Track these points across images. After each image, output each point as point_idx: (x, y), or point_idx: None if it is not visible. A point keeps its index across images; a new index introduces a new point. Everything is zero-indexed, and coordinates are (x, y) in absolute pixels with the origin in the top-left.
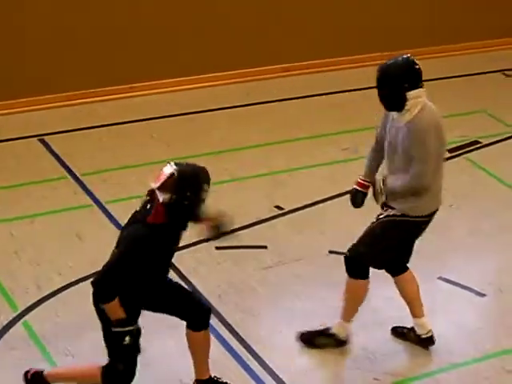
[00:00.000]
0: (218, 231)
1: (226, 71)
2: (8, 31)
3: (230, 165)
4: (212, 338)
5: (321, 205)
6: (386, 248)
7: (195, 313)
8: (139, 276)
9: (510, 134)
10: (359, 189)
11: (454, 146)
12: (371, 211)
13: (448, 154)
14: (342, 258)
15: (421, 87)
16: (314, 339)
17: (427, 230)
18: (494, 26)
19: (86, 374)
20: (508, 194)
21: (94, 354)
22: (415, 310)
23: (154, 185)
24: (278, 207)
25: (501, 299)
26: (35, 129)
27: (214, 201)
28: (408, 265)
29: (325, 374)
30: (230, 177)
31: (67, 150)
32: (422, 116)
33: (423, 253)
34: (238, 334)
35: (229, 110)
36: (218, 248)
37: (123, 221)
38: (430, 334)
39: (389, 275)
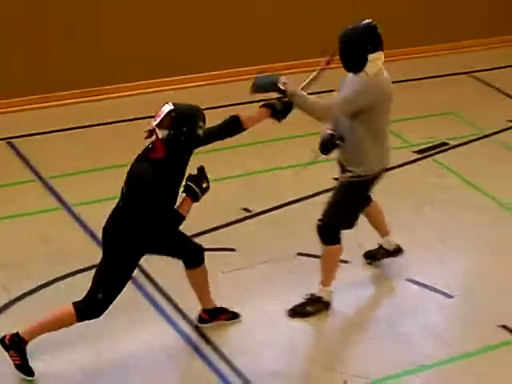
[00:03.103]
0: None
1: (199, 73)
2: None
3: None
4: (179, 339)
5: (289, 206)
6: (351, 208)
7: (193, 252)
8: (151, 213)
9: (477, 136)
10: (331, 132)
11: (422, 147)
12: None
13: (416, 156)
14: (310, 260)
15: (381, 50)
16: (305, 309)
17: (395, 232)
18: (463, 27)
19: (59, 317)
20: (476, 196)
21: (64, 357)
22: (383, 230)
23: (154, 122)
24: (245, 209)
25: (468, 301)
26: (3, 132)
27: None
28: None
29: (292, 375)
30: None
31: (35, 153)
32: (374, 78)
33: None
34: (206, 336)
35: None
36: None
37: (91, 223)
38: (397, 247)
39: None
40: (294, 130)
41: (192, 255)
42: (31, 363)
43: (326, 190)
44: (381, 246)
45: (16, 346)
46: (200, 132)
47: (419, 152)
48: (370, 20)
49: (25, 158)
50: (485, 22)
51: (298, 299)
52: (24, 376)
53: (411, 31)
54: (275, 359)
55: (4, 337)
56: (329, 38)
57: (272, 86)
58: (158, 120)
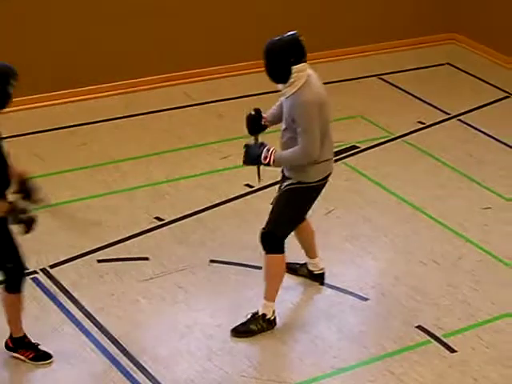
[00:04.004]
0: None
1: (105, 83)
2: None
3: (109, 177)
4: (95, 350)
5: (201, 214)
6: (293, 215)
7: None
8: None
9: (387, 138)
10: (259, 113)
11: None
12: (251, 221)
13: None
14: (223, 266)
15: (304, 62)
16: (248, 327)
17: None
18: (369, 30)
19: (10, 301)
20: (386, 198)
21: None
22: (311, 252)
23: None
24: (157, 218)
25: (383, 302)
26: None
27: (90, 213)
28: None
29: (208, 381)
30: (108, 189)
31: None
32: (305, 90)
33: (303, 259)
34: (122, 346)
35: (108, 122)
36: (99, 261)
37: None
38: (322, 271)
39: None
40: (200, 138)
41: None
42: None
43: (238, 197)
44: (305, 265)
45: (20, 343)
46: (11, 90)
47: None
48: (295, 31)
49: None
50: (391, 25)
51: (211, 305)
52: (45, 362)
53: (320, 35)
54: (190, 367)
55: (6, 342)
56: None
57: (258, 163)
58: None
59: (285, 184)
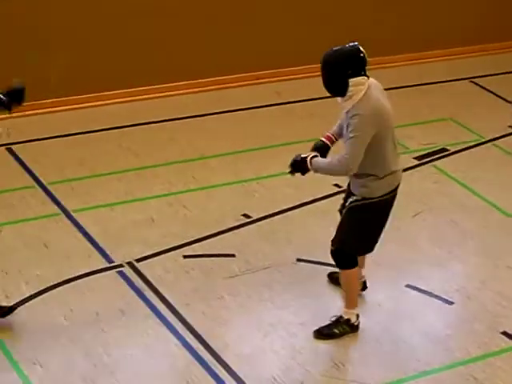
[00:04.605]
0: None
1: (197, 79)
2: None
3: (198, 173)
4: (180, 346)
5: (289, 213)
6: (360, 232)
7: None
8: None
9: (476, 142)
10: (324, 140)
11: (421, 153)
12: (339, 221)
13: (415, 162)
14: (309, 265)
15: (364, 75)
16: (331, 331)
17: (392, 239)
18: (463, 33)
19: None
20: (475, 202)
21: (62, 362)
22: (360, 261)
23: None
24: (245, 215)
25: (468, 306)
26: (1, 139)
27: (182, 208)
28: (373, 273)
29: (291, 381)
30: (198, 185)
31: (35, 158)
32: (362, 104)
33: (390, 261)
34: (206, 342)
35: (198, 118)
36: (185, 256)
37: (90, 229)
38: (363, 279)
39: None
40: (289, 136)
41: None
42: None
43: (326, 196)
44: None
45: None
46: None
47: (419, 158)
48: (355, 43)
49: (24, 164)
50: (485, 28)
51: (296, 304)
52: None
53: (411, 37)
54: (273, 365)
55: None
56: (325, 44)
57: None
58: None
59: (349, 200)
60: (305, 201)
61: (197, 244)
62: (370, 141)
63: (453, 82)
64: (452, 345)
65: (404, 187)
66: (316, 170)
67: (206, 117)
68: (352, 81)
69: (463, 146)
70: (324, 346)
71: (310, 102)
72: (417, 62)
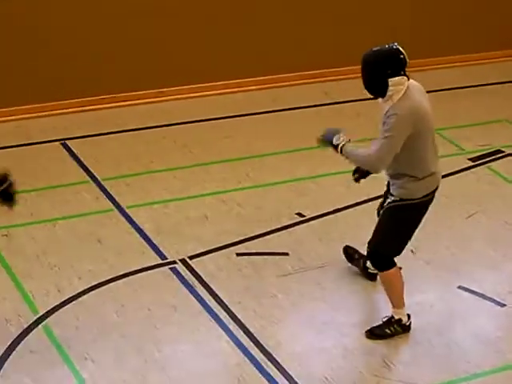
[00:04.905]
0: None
1: (251, 77)
2: (31, 35)
3: (253, 171)
4: (230, 342)
5: (342, 212)
6: (397, 233)
7: None
8: None
9: None
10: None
11: (476, 154)
12: None
13: (470, 163)
14: None
15: (403, 75)
16: (383, 330)
17: (447, 241)
18: None
19: None
20: None
21: (113, 357)
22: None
23: None
24: (299, 214)
25: None
26: (58, 133)
27: (236, 206)
28: (425, 273)
29: (343, 381)
30: (252, 183)
31: (90, 154)
32: (400, 103)
33: (443, 262)
34: (257, 340)
35: (253, 116)
36: (238, 254)
37: (144, 226)
38: (376, 272)
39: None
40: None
41: None
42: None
43: (380, 196)
44: (363, 259)
45: None
46: None
47: (474, 159)
48: (395, 43)
49: (79, 160)
50: None
51: (348, 303)
52: None
53: (466, 38)
54: (325, 365)
55: None
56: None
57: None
58: None
59: (388, 201)
60: (358, 200)
61: (250, 242)
62: (409, 141)
63: (507, 84)
64: (503, 347)
65: (458, 188)
66: (346, 158)
67: (261, 115)
68: (391, 80)
69: None
70: (375, 345)
71: (357, 102)
72: (472, 64)
